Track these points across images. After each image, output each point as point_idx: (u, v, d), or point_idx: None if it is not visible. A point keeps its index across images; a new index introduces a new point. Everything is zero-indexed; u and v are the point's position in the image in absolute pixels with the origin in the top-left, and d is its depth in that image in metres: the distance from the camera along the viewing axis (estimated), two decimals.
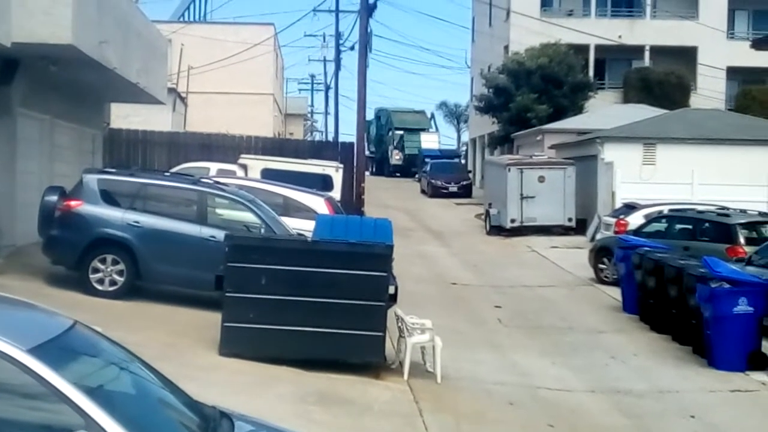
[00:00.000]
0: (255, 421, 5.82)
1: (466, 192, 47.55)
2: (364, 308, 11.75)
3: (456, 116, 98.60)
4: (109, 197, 15.34)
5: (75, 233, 14.95)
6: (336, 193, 24.72)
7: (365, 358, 12.02)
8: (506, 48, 49.97)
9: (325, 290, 11.71)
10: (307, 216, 17.56)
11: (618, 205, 28.90)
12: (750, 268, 16.19)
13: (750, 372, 13.92)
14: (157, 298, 14.97)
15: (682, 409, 12.18)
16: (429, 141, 63.90)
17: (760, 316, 14.08)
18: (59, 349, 4.85)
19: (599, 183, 31.65)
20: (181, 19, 57.40)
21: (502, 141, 47.93)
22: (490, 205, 34.36)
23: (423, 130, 65.44)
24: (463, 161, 62.27)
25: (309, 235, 13.26)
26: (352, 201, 31.43)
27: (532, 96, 44.16)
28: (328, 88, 78.35)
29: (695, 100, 46.13)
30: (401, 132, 64.06)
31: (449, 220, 37.67)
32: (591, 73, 48.94)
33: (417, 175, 55.37)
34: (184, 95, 43.92)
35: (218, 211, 15.84)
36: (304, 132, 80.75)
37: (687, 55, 48.85)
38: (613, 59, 51.43)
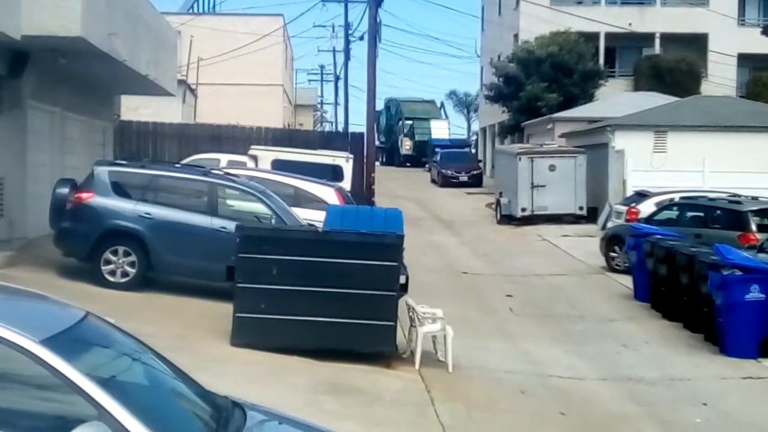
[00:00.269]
0: (267, 411, 5.83)
1: (476, 181, 47.49)
2: (375, 298, 11.77)
3: (466, 105, 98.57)
4: (120, 189, 15.38)
5: (86, 225, 15.00)
6: (346, 184, 24.71)
7: (376, 347, 12.04)
8: (516, 36, 49.84)
9: (336, 280, 11.73)
10: (317, 206, 17.56)
11: (629, 193, 28.82)
12: (762, 255, 16.11)
13: (762, 359, 13.91)
14: (168, 289, 15.01)
15: (694, 396, 12.17)
16: (439, 128, 63.86)
17: None
18: (72, 341, 4.87)
19: (610, 171, 31.57)
20: (191, 11, 57.32)
21: (512, 130, 47.84)
22: (500, 194, 34.32)
23: (433, 119, 65.52)
24: (473, 150, 62.21)
25: (320, 225, 13.27)
26: (363, 191, 31.41)
27: (542, 85, 44.05)
28: (337, 78, 78.39)
29: (706, 88, 45.97)
30: (411, 121, 64.10)
31: (460, 210, 37.64)
32: (601, 61, 48.79)
33: (427, 165, 55.31)
34: (193, 87, 43.95)
35: (229, 202, 15.86)
36: (313, 123, 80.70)
37: (698, 43, 48.66)
38: (624, 47, 51.24)
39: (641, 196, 26.44)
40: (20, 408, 4.56)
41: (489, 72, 51.43)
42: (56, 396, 4.51)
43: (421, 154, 59.74)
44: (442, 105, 74.78)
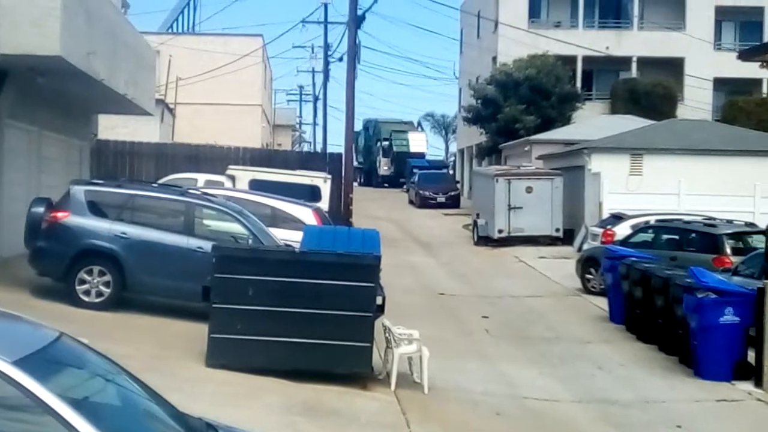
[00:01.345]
0: None
1: (454, 202, 47.63)
2: (351, 319, 11.75)
3: (444, 127, 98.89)
4: (96, 208, 15.32)
5: (62, 244, 14.91)
6: (324, 204, 24.74)
7: (352, 368, 12.01)
8: (494, 59, 50.13)
9: (313, 301, 11.71)
10: (295, 227, 17.57)
11: (605, 215, 28.98)
12: (736, 279, 16.27)
13: (736, 382, 13.98)
14: (143, 309, 14.93)
15: (668, 419, 12.21)
16: (417, 140, 64.09)
17: (746, 326, 14.14)
18: (45, 361, 4.85)
19: (586, 193, 31.74)
20: (170, 31, 57.39)
21: (490, 152, 48.05)
22: (477, 215, 34.41)
23: (411, 131, 66.02)
24: (451, 172, 62.37)
25: (297, 245, 13.27)
26: (340, 212, 31.45)
27: (520, 107, 44.30)
28: (316, 99, 78.44)
29: (682, 111, 46.36)
30: (389, 133, 64.27)
31: (437, 231, 37.70)
32: (578, 84, 49.14)
33: (405, 186, 55.41)
34: (172, 106, 43.89)
35: (206, 222, 15.83)
36: (292, 143, 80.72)
37: (674, 66, 49.09)
38: (601, 70, 51.67)
39: (617, 218, 26.60)
40: None
41: (467, 94, 51.69)
42: (28, 417, 4.49)
43: (399, 175, 59.86)
44: (420, 125, 75.08)
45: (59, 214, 15.14)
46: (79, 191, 15.50)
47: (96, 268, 14.84)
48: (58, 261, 14.85)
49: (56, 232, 15.06)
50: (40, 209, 15.30)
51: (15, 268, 16.16)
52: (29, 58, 15.33)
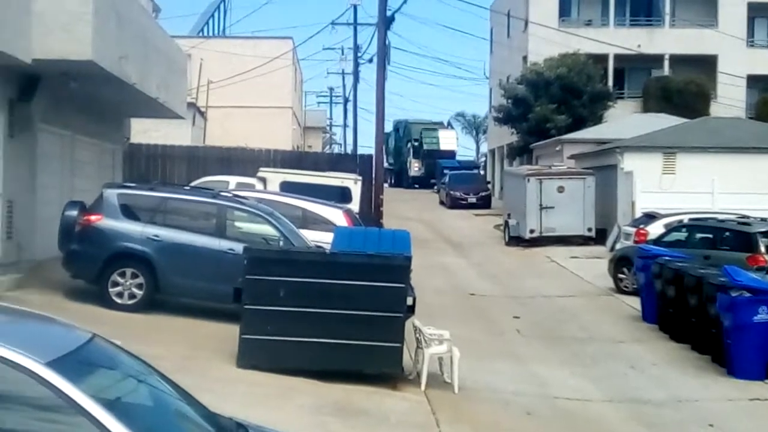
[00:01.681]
0: None
1: (485, 203, 47.52)
2: (382, 319, 11.78)
3: (474, 127, 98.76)
4: (129, 211, 15.46)
5: (95, 247, 15.07)
6: (354, 206, 24.76)
7: (383, 369, 12.05)
8: (525, 58, 49.99)
9: (344, 302, 11.74)
10: (325, 228, 17.60)
11: (638, 214, 28.79)
12: None
13: None
14: (176, 311, 15.05)
15: (701, 418, 12.14)
16: (447, 138, 63.99)
17: None
18: (78, 362, 4.89)
19: (619, 193, 31.57)
20: (201, 34, 57.67)
21: (521, 152, 47.92)
22: (509, 215, 34.32)
23: (441, 128, 66.18)
24: (482, 172, 62.25)
25: (327, 247, 13.31)
26: (371, 213, 31.47)
27: (551, 106, 44.15)
28: (346, 100, 78.58)
29: (715, 109, 45.98)
30: (419, 133, 64.30)
31: (468, 231, 37.64)
32: (610, 82, 48.88)
33: (436, 187, 55.36)
34: (203, 109, 44.11)
35: (237, 224, 15.93)
36: (322, 145, 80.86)
37: (707, 64, 48.72)
38: (633, 68, 51.35)
39: (650, 217, 26.42)
40: (25, 429, 4.58)
41: (498, 94, 51.57)
42: (61, 418, 4.53)
43: (430, 176, 59.81)
44: (450, 125, 75.03)
45: (92, 218, 15.30)
46: (111, 194, 15.66)
47: (129, 271, 14.99)
48: (91, 264, 15.01)
49: (89, 235, 15.22)
50: (74, 212, 15.46)
51: (49, 271, 16.32)
52: (61, 63, 15.45)
